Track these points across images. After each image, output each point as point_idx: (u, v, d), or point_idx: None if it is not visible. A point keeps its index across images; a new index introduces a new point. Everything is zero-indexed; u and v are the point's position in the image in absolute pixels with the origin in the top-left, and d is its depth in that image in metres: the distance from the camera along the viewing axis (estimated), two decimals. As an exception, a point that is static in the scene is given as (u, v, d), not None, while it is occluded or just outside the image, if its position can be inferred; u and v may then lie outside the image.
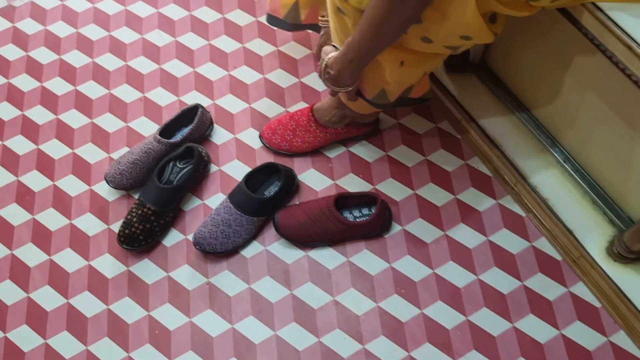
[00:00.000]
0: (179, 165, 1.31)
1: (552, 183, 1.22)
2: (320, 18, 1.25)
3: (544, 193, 1.22)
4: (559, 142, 1.24)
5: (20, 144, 1.42)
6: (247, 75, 1.47)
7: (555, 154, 1.24)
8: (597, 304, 1.19)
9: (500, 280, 1.22)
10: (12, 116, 1.45)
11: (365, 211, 1.27)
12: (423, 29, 0.95)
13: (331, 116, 1.29)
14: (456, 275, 1.23)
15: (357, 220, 1.24)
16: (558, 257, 1.24)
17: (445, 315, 1.20)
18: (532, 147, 1.26)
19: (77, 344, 1.21)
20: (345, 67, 1.04)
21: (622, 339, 1.16)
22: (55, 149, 1.41)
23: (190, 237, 1.29)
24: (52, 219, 1.33)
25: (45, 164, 1.39)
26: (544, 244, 1.25)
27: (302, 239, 1.25)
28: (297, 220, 1.24)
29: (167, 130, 1.34)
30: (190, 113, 1.36)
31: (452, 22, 0.91)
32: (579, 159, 1.21)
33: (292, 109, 1.42)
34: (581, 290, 1.20)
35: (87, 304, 1.24)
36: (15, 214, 1.34)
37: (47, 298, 1.25)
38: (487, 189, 1.31)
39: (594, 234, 1.17)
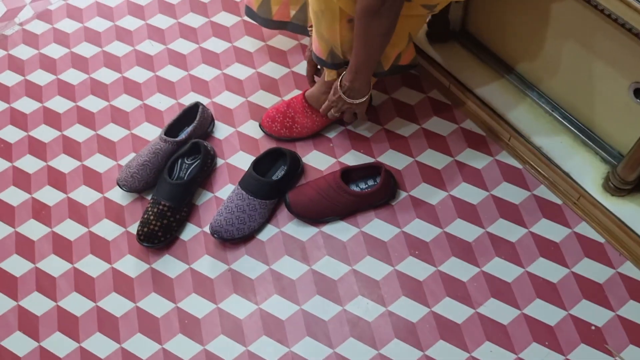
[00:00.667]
0: (187, 161, 1.36)
1: (543, 132, 1.29)
2: (309, 28, 1.32)
3: (537, 142, 1.28)
4: (545, 93, 1.30)
5: (29, 163, 1.46)
6: (240, 71, 1.53)
7: (543, 105, 1.30)
8: (602, 240, 1.25)
9: (507, 230, 1.28)
10: (18, 137, 1.50)
11: (370, 182, 1.33)
12: None
13: (323, 101, 1.35)
14: (465, 231, 1.29)
15: (364, 190, 1.30)
16: (559, 201, 1.30)
17: (460, 269, 1.25)
18: (520, 102, 1.32)
19: (111, 343, 1.24)
20: (354, 78, 1.17)
21: (629, 269, 1.22)
22: (64, 163, 1.45)
23: (206, 229, 1.34)
24: (70, 229, 1.37)
25: (56, 179, 1.43)
26: (543, 191, 1.31)
27: (314, 215, 1.30)
28: (307, 197, 1.29)
29: (171, 131, 1.39)
30: (191, 112, 1.41)
31: None
32: (565, 105, 1.27)
33: (288, 97, 1.48)
34: (585, 229, 1.26)
35: (116, 304, 1.28)
36: (34, 229, 1.38)
37: (76, 304, 1.29)
38: (483, 147, 1.37)
39: (590, 173, 1.23)
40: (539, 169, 1.30)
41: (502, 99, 1.33)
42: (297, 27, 1.38)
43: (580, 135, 1.26)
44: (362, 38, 1.08)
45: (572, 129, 1.27)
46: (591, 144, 1.25)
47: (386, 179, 1.29)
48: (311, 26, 1.26)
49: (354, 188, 1.32)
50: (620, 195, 1.20)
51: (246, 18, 1.61)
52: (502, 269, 1.24)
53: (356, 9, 1.03)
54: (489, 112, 1.33)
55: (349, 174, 1.31)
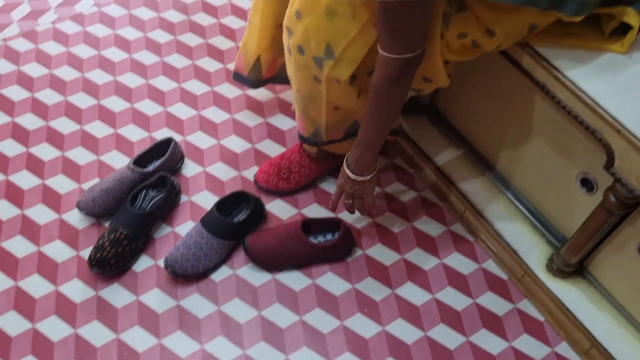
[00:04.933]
0: (151, 193, 1.37)
1: (496, 209, 1.36)
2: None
3: (490, 218, 1.35)
4: (500, 173, 1.39)
5: (-12, 175, 1.44)
6: (216, 115, 1.58)
7: (498, 185, 1.38)
8: (541, 318, 1.30)
9: (454, 298, 1.32)
10: (-18, 148, 1.48)
11: (329, 236, 1.36)
12: None
13: (318, 153, 1.41)
14: (414, 294, 1.32)
15: (322, 243, 1.33)
16: (504, 276, 1.36)
17: (405, 331, 1.27)
18: (478, 179, 1.40)
19: (43, 368, 1.20)
20: (362, 154, 1.15)
21: (565, 349, 1.27)
22: (25, 180, 1.44)
23: (160, 262, 1.33)
24: (19, 246, 1.34)
25: (14, 194, 1.41)
26: (491, 266, 1.37)
27: (271, 262, 1.32)
28: (266, 243, 1.31)
29: (140, 161, 1.41)
30: (163, 146, 1.43)
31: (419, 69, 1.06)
32: (518, 187, 1.36)
33: (259, 145, 1.52)
34: (526, 306, 1.32)
35: (54, 328, 1.24)
36: (-19, 242, 1.35)
37: (13, 324, 1.25)
38: (440, 217, 1.44)
39: (535, 253, 1.30)
40: (489, 244, 1.37)
41: (461, 173, 1.41)
42: (283, 79, 1.42)
43: (530, 216, 1.34)
44: (377, 111, 1.08)
45: (523, 209, 1.35)
46: (539, 226, 1.33)
47: (344, 235, 1.33)
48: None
49: (313, 240, 1.35)
50: (562, 277, 1.27)
51: (229, 66, 1.67)
52: (446, 336, 1.27)
53: (373, 82, 1.04)
54: (447, 184, 1.41)
55: (309, 226, 1.34)
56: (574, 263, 1.22)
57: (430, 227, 1.42)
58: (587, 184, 1.14)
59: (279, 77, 1.44)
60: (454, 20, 1.00)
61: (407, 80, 1.03)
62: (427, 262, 1.37)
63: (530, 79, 1.09)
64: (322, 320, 1.28)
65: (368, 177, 1.19)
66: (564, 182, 1.21)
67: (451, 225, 1.42)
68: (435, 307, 1.31)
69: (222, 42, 1.72)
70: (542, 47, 1.05)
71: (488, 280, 1.35)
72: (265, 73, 1.41)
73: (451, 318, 1.29)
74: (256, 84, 1.44)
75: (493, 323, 1.29)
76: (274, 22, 1.28)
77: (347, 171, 1.19)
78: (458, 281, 1.34)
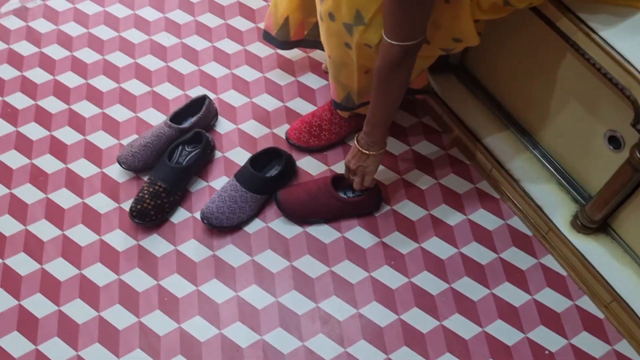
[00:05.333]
0: (187, 149, 1.43)
1: (523, 167, 1.39)
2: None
3: (516, 175, 1.38)
4: (529, 131, 1.40)
5: (34, 130, 1.51)
6: (248, 73, 1.61)
7: (526, 142, 1.40)
8: (564, 273, 1.34)
9: (478, 253, 1.36)
10: (26, 105, 1.55)
11: (358, 192, 1.40)
12: None
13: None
14: (440, 248, 1.37)
15: (351, 198, 1.38)
16: (529, 232, 1.39)
17: (430, 283, 1.33)
18: (505, 137, 1.42)
19: (90, 310, 1.29)
20: (370, 131, 1.22)
21: (586, 302, 1.31)
22: (67, 135, 1.51)
23: (196, 214, 1.40)
24: (64, 198, 1.42)
25: (58, 149, 1.49)
26: (516, 222, 1.40)
27: (301, 215, 1.37)
28: (297, 197, 1.36)
29: (176, 118, 1.46)
30: (197, 103, 1.48)
31: (447, 30, 1.10)
32: (545, 144, 1.38)
33: (290, 104, 1.56)
34: (550, 261, 1.35)
35: (99, 274, 1.33)
36: (29, 193, 1.42)
37: (61, 269, 1.33)
38: (466, 175, 1.47)
39: (560, 210, 1.33)
40: (515, 200, 1.40)
41: (488, 132, 1.43)
42: (311, 42, 1.45)
43: (556, 173, 1.36)
44: (382, 92, 1.14)
45: (549, 167, 1.37)
46: (565, 183, 1.35)
47: (373, 191, 1.37)
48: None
49: (342, 195, 1.40)
50: (586, 233, 1.29)
51: (260, 25, 1.69)
52: (470, 288, 1.32)
53: (376, 66, 1.10)
54: (475, 142, 1.43)
55: (339, 181, 1.39)
56: (598, 220, 1.25)
57: (457, 184, 1.45)
58: (614, 141, 1.16)
59: (307, 41, 1.46)
60: None
61: (407, 65, 1.08)
62: (453, 217, 1.41)
63: (561, 37, 1.10)
64: (350, 272, 1.34)
65: (375, 153, 1.25)
66: (591, 140, 1.22)
67: (478, 183, 1.45)
68: (460, 260, 1.35)
69: (253, 1, 1.75)
70: (573, 3, 1.06)
71: (513, 235, 1.39)
72: (293, 35, 1.43)
73: (475, 271, 1.34)
74: (284, 45, 1.46)
75: (516, 276, 1.33)
76: None
77: (357, 145, 1.25)
78: (483, 236, 1.38)
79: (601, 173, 1.23)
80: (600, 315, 1.29)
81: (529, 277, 1.33)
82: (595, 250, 1.28)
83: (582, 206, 1.29)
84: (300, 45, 1.48)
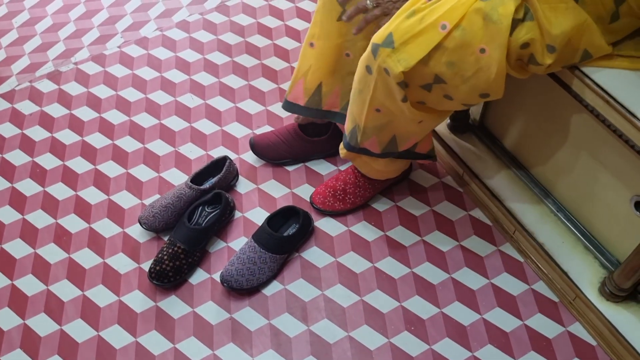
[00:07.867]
0: (207, 209, 1.44)
1: (547, 230, 1.35)
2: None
3: (540, 239, 1.34)
4: (552, 194, 1.37)
5: (60, 190, 1.55)
6: (269, 133, 1.64)
7: (549, 205, 1.37)
8: (593, 342, 1.28)
9: (502, 319, 1.31)
10: (54, 165, 1.60)
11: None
12: (444, 89, 1.09)
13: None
14: (462, 314, 1.33)
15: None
16: (555, 298, 1.34)
17: (452, 351, 1.28)
18: (528, 199, 1.39)
19: (106, 373, 1.28)
20: None
21: (618, 375, 1.24)
22: (92, 195, 1.54)
23: (215, 276, 1.39)
24: (86, 257, 1.44)
25: (82, 209, 1.52)
26: (542, 287, 1.36)
27: (273, 156, 1.52)
28: (268, 140, 1.51)
29: (197, 179, 1.48)
30: (219, 164, 1.50)
31: (474, 83, 1.06)
32: (570, 208, 1.34)
33: (310, 164, 1.57)
34: (578, 329, 1.30)
35: (117, 336, 1.33)
36: (53, 253, 1.45)
37: (79, 331, 1.34)
38: (488, 236, 1.43)
39: (587, 276, 1.28)
40: (539, 265, 1.35)
41: (511, 193, 1.41)
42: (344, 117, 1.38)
43: (582, 238, 1.32)
44: None
45: (575, 231, 1.33)
46: (591, 248, 1.30)
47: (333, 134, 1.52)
48: None
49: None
50: (614, 301, 1.24)
51: (282, 86, 1.73)
52: (494, 358, 1.27)
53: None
54: (497, 203, 1.40)
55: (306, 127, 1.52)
56: (628, 287, 1.20)
57: (480, 247, 1.42)
58: (641, 207, 1.12)
59: (342, 116, 1.40)
60: (520, 26, 0.99)
61: None
62: (476, 282, 1.37)
63: (580, 102, 1.08)
64: (369, 337, 1.30)
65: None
66: (617, 205, 1.19)
67: (500, 246, 1.42)
68: (483, 327, 1.31)
69: (276, 63, 1.79)
70: (589, 68, 1.05)
71: (538, 301, 1.34)
72: (325, 104, 1.40)
73: (499, 339, 1.29)
74: (314, 113, 1.42)
75: (543, 346, 1.28)
76: (338, 49, 1.30)
77: None
78: (507, 302, 1.34)
79: (629, 239, 1.18)
80: (633, 389, 1.22)
81: (556, 347, 1.28)
82: (626, 320, 1.22)
83: (610, 272, 1.24)
84: (333, 119, 1.44)
